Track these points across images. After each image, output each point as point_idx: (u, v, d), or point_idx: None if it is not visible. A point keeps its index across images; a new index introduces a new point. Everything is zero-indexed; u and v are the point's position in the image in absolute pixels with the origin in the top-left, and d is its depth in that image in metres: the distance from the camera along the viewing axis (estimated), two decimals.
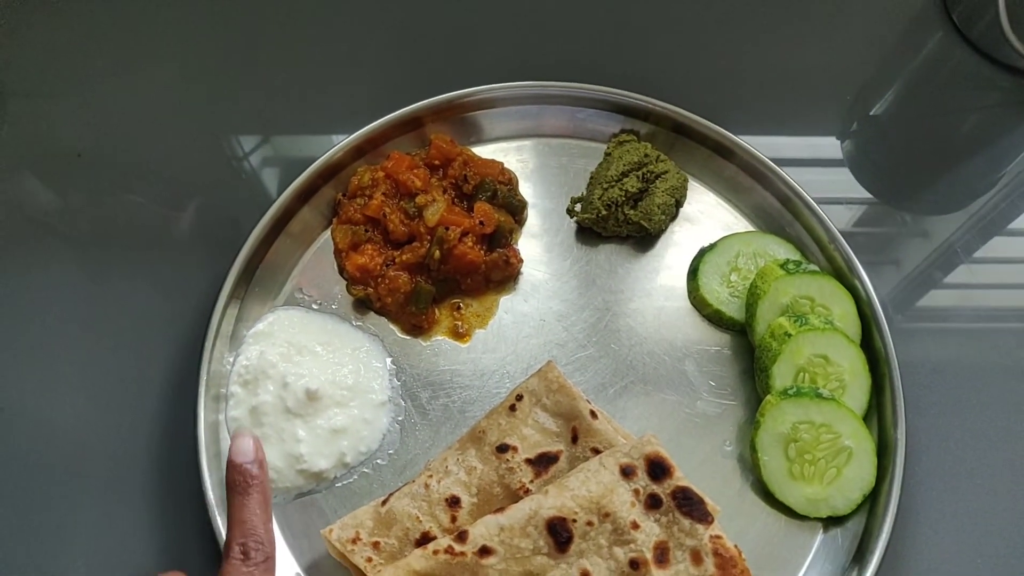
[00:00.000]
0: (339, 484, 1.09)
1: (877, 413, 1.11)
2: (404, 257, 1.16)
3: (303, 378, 1.09)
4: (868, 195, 1.36)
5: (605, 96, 1.29)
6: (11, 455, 1.11)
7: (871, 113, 1.47)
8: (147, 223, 1.28)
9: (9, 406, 1.14)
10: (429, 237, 1.16)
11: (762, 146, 1.26)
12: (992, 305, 1.29)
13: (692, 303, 1.21)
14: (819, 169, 1.40)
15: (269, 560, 0.87)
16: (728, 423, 1.13)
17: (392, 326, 1.18)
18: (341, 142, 1.23)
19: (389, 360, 1.16)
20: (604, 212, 1.20)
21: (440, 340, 1.18)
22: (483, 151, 1.29)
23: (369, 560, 0.99)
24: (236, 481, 0.91)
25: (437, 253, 1.15)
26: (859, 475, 1.05)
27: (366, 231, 1.19)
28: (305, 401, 1.08)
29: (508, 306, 1.20)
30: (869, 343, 1.14)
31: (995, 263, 1.33)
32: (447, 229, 1.15)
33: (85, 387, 1.16)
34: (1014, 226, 1.35)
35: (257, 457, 0.92)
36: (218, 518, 1.01)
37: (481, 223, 1.17)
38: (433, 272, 1.16)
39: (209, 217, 1.29)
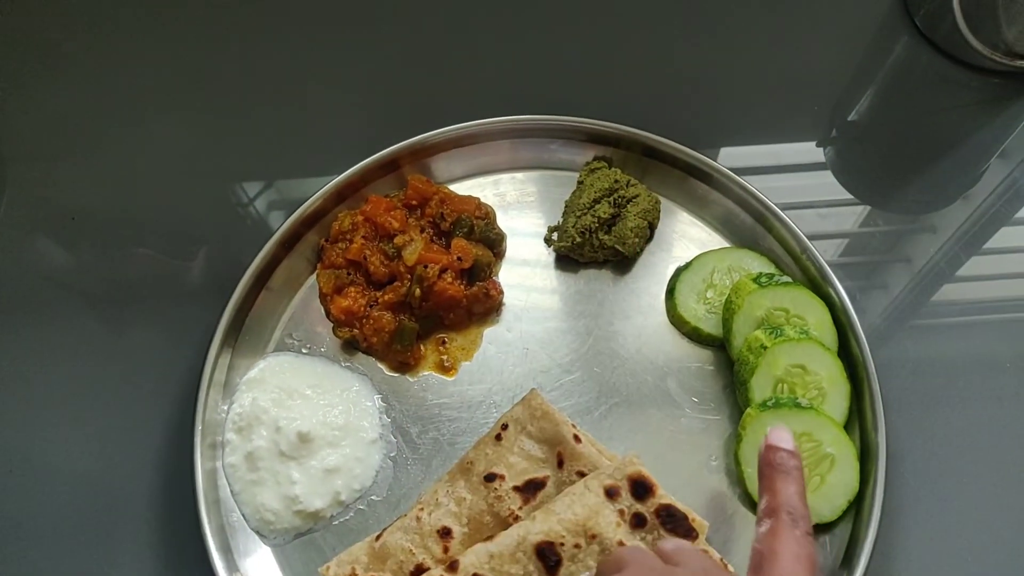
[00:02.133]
0: (336, 522, 1.11)
1: (858, 418, 1.12)
2: (386, 297, 1.20)
3: (295, 421, 1.12)
4: (851, 198, 1.39)
5: (575, 125, 1.33)
6: (14, 507, 1.15)
7: (848, 119, 1.49)
8: (141, 278, 1.32)
9: (13, 463, 1.18)
10: (409, 276, 1.20)
11: (740, 157, 1.29)
12: (969, 299, 1.30)
13: (671, 322, 1.23)
14: (802, 174, 1.43)
15: (811, 536, 0.84)
16: (713, 437, 1.15)
17: (380, 364, 1.22)
18: (321, 189, 1.27)
19: (378, 398, 1.19)
20: (579, 239, 1.24)
21: (427, 375, 1.21)
22: (460, 187, 1.33)
23: None
24: (777, 461, 0.88)
25: (417, 291, 1.18)
26: (843, 481, 1.07)
27: (348, 274, 1.22)
28: (298, 443, 1.11)
29: (492, 337, 1.23)
30: (846, 350, 1.16)
31: (978, 255, 1.35)
32: (426, 267, 1.19)
33: (83, 440, 1.19)
34: (991, 224, 1.37)
35: (794, 448, 0.92)
36: (217, 562, 1.04)
37: (459, 259, 1.20)
38: (416, 310, 1.20)
39: (199, 268, 1.33)
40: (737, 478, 1.11)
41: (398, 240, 1.22)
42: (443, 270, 1.20)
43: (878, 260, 1.34)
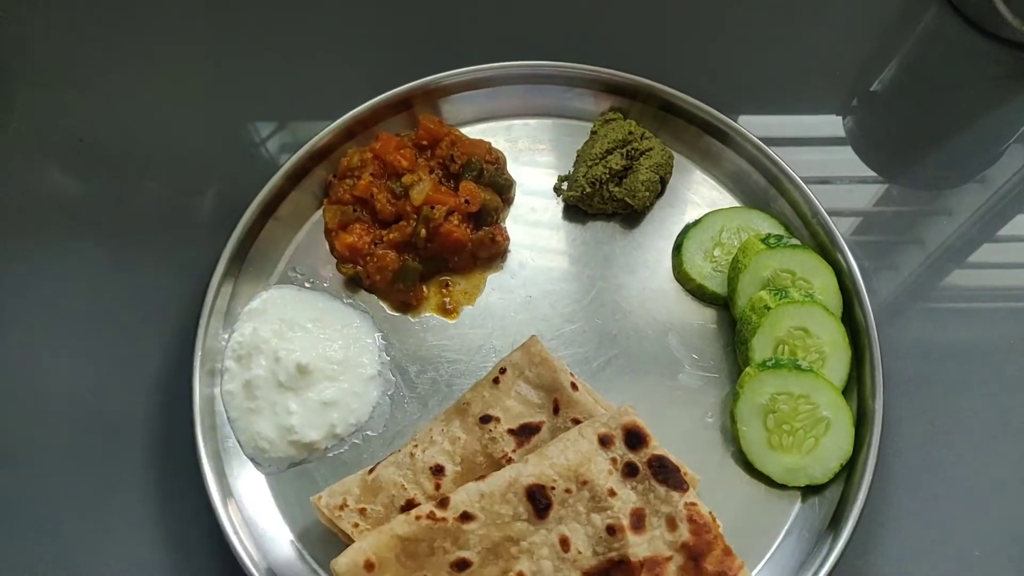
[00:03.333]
0: (330, 454, 1.12)
1: (857, 385, 1.12)
2: (391, 236, 1.19)
3: (294, 353, 1.13)
4: (868, 173, 1.37)
5: (593, 75, 1.31)
6: (12, 430, 1.16)
7: (871, 89, 1.47)
8: (147, 208, 1.31)
9: (17, 385, 1.19)
10: (415, 216, 1.19)
11: (759, 125, 1.28)
12: (980, 285, 1.30)
13: (676, 278, 1.23)
14: (817, 148, 1.41)
15: None
16: (710, 396, 1.15)
17: (382, 303, 1.22)
18: (332, 124, 1.25)
19: (379, 336, 1.19)
20: (588, 190, 1.22)
21: (429, 317, 1.21)
22: (471, 131, 1.31)
23: (356, 525, 1.02)
24: None
25: (423, 231, 1.17)
26: (837, 444, 1.07)
27: (355, 211, 1.22)
28: (296, 375, 1.12)
29: (496, 283, 1.23)
30: (850, 317, 1.15)
31: (992, 242, 1.33)
32: (432, 208, 1.18)
33: (82, 365, 1.20)
34: (1008, 210, 1.35)
35: None
36: (212, 487, 1.05)
37: (466, 202, 1.19)
38: (420, 250, 1.19)
39: (206, 201, 1.32)
40: (732, 436, 1.11)
41: (406, 179, 1.21)
42: (450, 212, 1.19)
43: (892, 240, 1.32)
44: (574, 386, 1.08)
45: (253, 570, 1.01)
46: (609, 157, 1.23)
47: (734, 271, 1.16)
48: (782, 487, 1.08)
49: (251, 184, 1.23)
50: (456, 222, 1.18)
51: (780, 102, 1.44)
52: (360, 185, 1.21)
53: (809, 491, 1.08)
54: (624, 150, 1.24)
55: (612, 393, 1.15)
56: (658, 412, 1.12)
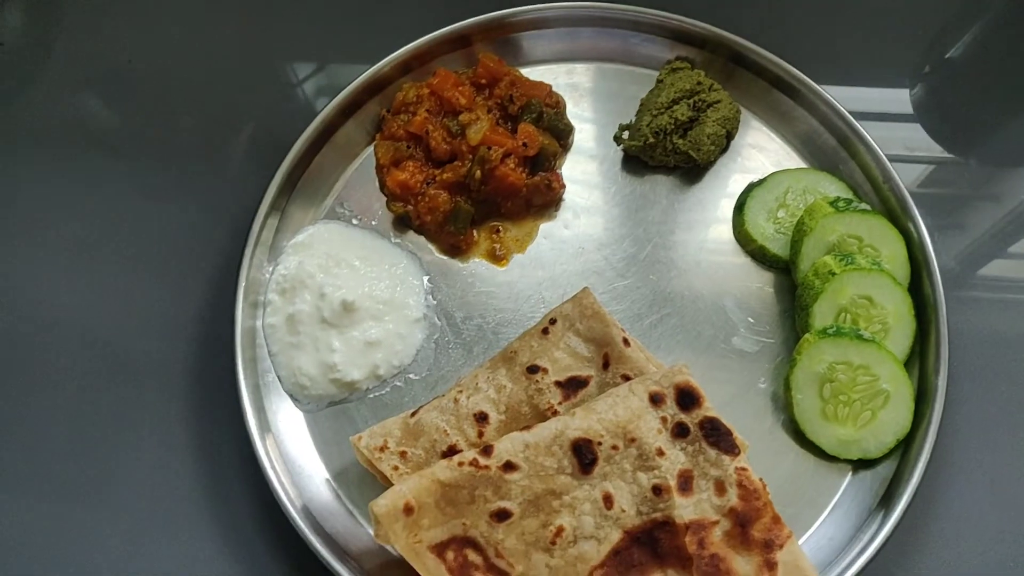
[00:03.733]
0: (371, 395, 1.10)
1: (920, 359, 1.08)
2: (445, 176, 1.16)
3: (340, 290, 1.10)
4: (935, 146, 1.30)
5: (662, 21, 1.25)
6: (58, 355, 1.15)
7: (947, 56, 1.39)
8: (188, 139, 1.28)
9: (61, 315, 1.18)
10: (471, 156, 1.15)
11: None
12: None
13: (736, 238, 1.18)
14: (886, 124, 1.34)
15: None
16: (764, 361, 1.11)
17: (430, 245, 1.18)
18: (388, 56, 1.21)
19: (426, 278, 1.16)
20: (651, 140, 1.18)
21: (477, 262, 1.17)
22: (532, 73, 1.26)
23: (396, 468, 1.00)
24: None
25: (478, 173, 1.13)
26: (894, 419, 1.03)
27: (408, 147, 1.18)
28: (341, 312, 1.09)
29: (548, 232, 1.19)
30: (917, 288, 1.10)
31: None
32: (489, 149, 1.14)
33: (127, 293, 1.18)
34: None
35: None
36: (251, 420, 1.03)
37: (524, 145, 1.15)
38: (473, 192, 1.16)
39: (256, 134, 1.29)
40: (784, 403, 1.08)
41: (463, 118, 1.16)
42: (506, 155, 1.15)
43: (958, 220, 1.25)
44: (626, 342, 1.05)
45: (289, 505, 1.00)
46: (675, 107, 1.18)
47: (799, 234, 1.12)
48: (833, 459, 1.04)
49: (295, 121, 1.19)
50: (512, 165, 1.14)
51: (853, 65, 1.36)
52: (415, 121, 1.17)
53: (861, 465, 1.05)
54: (691, 100, 1.18)
55: (663, 353, 1.11)
56: (709, 374, 1.09)
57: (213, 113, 1.28)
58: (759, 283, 1.15)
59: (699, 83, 1.19)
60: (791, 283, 1.14)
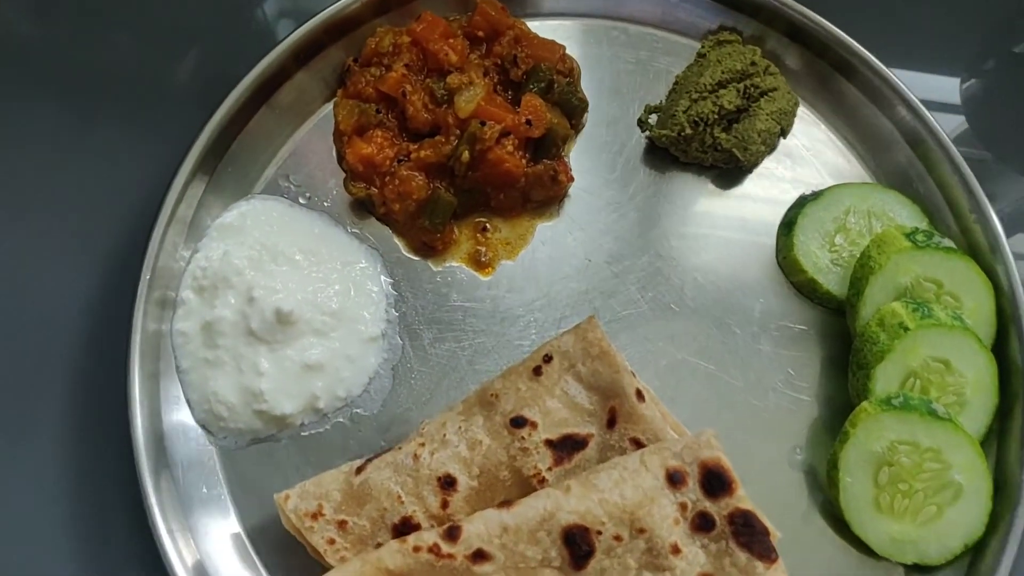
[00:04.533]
0: (306, 433, 0.87)
1: (998, 443, 0.87)
2: (423, 153, 0.90)
3: (275, 293, 0.86)
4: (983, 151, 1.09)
5: None
6: None
7: (1014, 50, 1.17)
8: (116, 69, 1.05)
9: None
10: (458, 131, 0.89)
11: None
12: None
13: (780, 264, 0.95)
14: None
15: None
16: (801, 424, 0.90)
17: (397, 240, 0.94)
18: None
19: (388, 282, 0.92)
20: (688, 131, 0.93)
21: (455, 267, 0.93)
22: (542, 28, 1.01)
23: (331, 542, 0.78)
24: None
25: (466, 154, 0.88)
26: (965, 520, 0.83)
27: (378, 112, 0.92)
28: (274, 324, 0.85)
29: (546, 235, 0.95)
30: (1002, 351, 0.89)
31: None
32: (483, 124, 0.88)
33: (10, 259, 0.94)
34: None
35: None
36: (142, 451, 0.80)
37: (528, 122, 0.90)
38: (458, 179, 0.90)
39: (189, 71, 1.06)
40: (825, 483, 0.87)
41: (452, 80, 0.90)
42: (504, 133, 0.90)
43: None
44: (639, 395, 0.82)
45: (177, 565, 0.77)
46: (721, 92, 0.94)
47: (862, 270, 0.89)
48: (882, 560, 0.84)
49: (244, 56, 0.93)
50: (510, 148, 0.89)
51: (909, 51, 1.13)
52: (389, 78, 0.91)
53: (915, 571, 0.84)
54: (741, 85, 0.94)
55: (680, 404, 0.89)
56: (733, 436, 0.87)
57: (148, 39, 1.07)
58: (804, 324, 0.94)
59: (753, 63, 0.94)
60: (844, 329, 0.92)
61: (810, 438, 0.90)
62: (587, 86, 1.00)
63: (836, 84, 1.01)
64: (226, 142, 0.92)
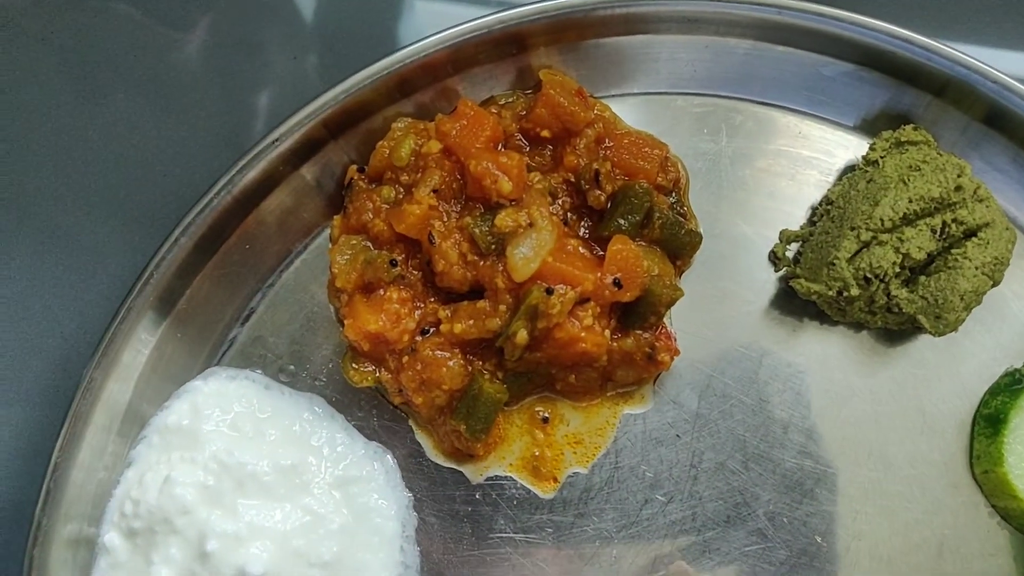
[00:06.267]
0: None
1: None
2: (458, 327, 0.61)
3: (240, 545, 0.58)
4: None
5: (880, 40, 0.68)
6: None
7: None
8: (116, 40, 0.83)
9: None
10: (512, 297, 0.60)
11: None
12: None
13: (978, 479, 0.66)
14: None
15: None
16: None
17: (420, 436, 0.65)
18: (371, 67, 0.64)
19: (406, 500, 0.63)
20: (855, 291, 0.62)
21: (503, 478, 0.66)
22: (632, 111, 0.71)
23: None
24: None
25: (523, 334, 0.59)
26: None
27: (394, 264, 0.61)
28: None
29: (633, 429, 0.70)
30: None
31: None
32: (550, 291, 0.58)
33: None
34: None
35: None
36: None
37: (616, 283, 0.59)
38: (510, 362, 0.61)
39: (199, 45, 0.83)
40: None
41: (503, 221, 0.61)
42: (581, 300, 0.59)
43: None
44: None
45: None
46: (907, 231, 0.62)
47: None
48: None
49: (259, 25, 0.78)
50: (589, 320, 0.59)
51: None
52: (411, 215, 0.62)
53: None
54: (939, 220, 0.63)
55: None
56: None
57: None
58: (1001, 568, 0.64)
59: (958, 187, 0.62)
60: None
61: None
62: (697, 200, 0.70)
63: None
64: (180, 285, 0.65)
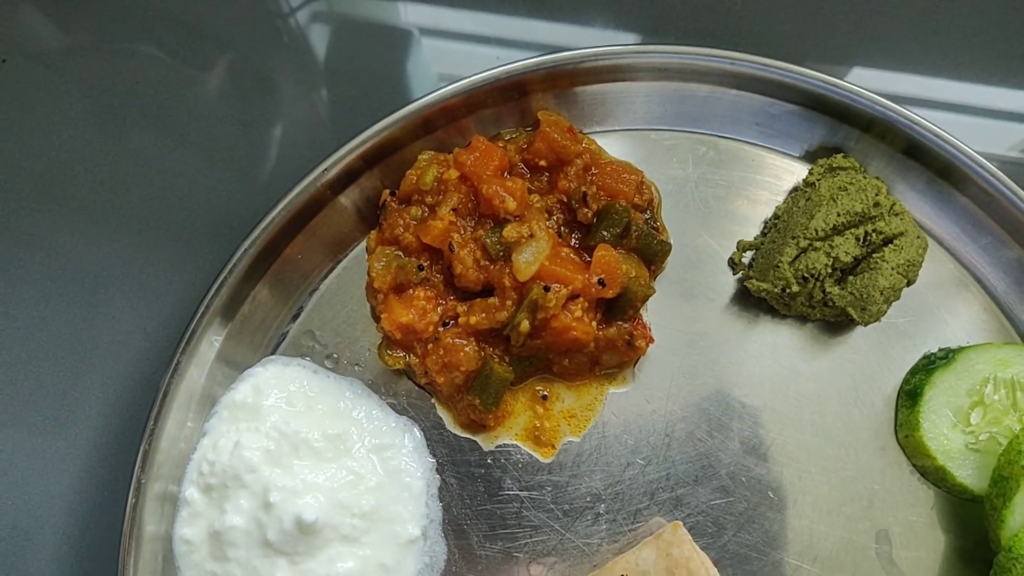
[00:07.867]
0: None
1: None
2: (473, 319, 0.75)
3: (297, 497, 0.71)
4: None
5: (816, 86, 0.82)
6: None
7: None
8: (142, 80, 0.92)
9: None
10: (516, 294, 0.74)
11: None
12: None
13: (901, 443, 0.80)
14: None
15: None
16: None
17: (441, 411, 0.79)
18: (398, 112, 0.78)
19: (430, 464, 0.77)
20: (795, 287, 0.77)
21: (510, 446, 0.79)
22: (615, 144, 0.85)
23: None
24: None
25: (526, 324, 0.73)
26: None
27: (420, 269, 0.76)
28: (295, 534, 0.71)
29: (618, 405, 0.82)
30: None
31: None
32: (547, 289, 0.72)
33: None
34: None
35: None
36: None
37: (601, 282, 0.74)
38: (515, 348, 0.75)
39: (219, 81, 0.93)
40: None
41: (509, 233, 0.75)
42: (572, 296, 0.73)
43: None
44: None
45: None
46: (837, 240, 0.77)
47: (1010, 467, 0.73)
48: None
49: (272, 61, 0.87)
50: (579, 312, 0.74)
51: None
52: (435, 228, 0.75)
53: None
54: (862, 231, 0.77)
55: None
56: None
57: (174, 48, 0.96)
58: (928, 515, 0.77)
59: (876, 204, 0.77)
60: (983, 534, 0.75)
61: None
62: (668, 216, 0.84)
63: (972, 215, 0.83)
64: (244, 290, 0.78)
